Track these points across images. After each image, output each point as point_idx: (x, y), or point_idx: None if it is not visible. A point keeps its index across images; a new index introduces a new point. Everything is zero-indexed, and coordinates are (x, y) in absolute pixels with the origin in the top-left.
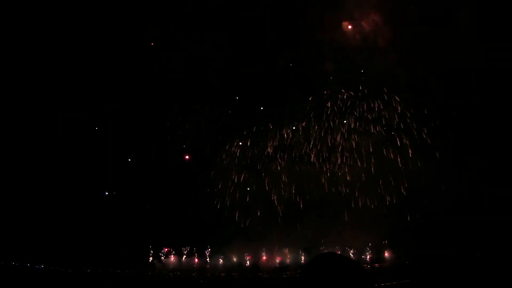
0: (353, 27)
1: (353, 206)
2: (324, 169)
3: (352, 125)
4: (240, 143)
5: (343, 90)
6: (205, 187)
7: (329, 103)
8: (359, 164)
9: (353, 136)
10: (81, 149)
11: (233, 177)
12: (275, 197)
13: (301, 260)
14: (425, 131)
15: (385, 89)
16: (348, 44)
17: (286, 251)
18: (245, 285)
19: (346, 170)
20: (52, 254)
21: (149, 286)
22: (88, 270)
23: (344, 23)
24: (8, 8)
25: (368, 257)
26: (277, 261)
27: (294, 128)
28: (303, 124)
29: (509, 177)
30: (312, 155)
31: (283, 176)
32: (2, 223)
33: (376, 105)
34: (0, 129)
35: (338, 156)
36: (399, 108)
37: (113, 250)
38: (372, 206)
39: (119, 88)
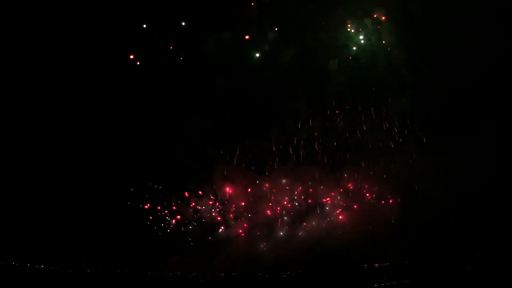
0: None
1: (356, 207)
2: (329, 171)
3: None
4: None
5: (349, 96)
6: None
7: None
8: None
9: (358, 137)
10: (81, 148)
11: (236, 184)
12: (277, 204)
13: (302, 259)
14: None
15: (392, 94)
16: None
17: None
18: (245, 285)
19: (351, 173)
20: (52, 254)
21: (149, 286)
22: (88, 270)
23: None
24: (9, 8)
25: (368, 257)
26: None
27: (297, 131)
28: (307, 126)
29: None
30: (317, 159)
31: (287, 181)
32: (2, 223)
33: (382, 108)
34: (0, 129)
35: (342, 159)
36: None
37: (113, 250)
38: (374, 208)
39: (118, 88)
